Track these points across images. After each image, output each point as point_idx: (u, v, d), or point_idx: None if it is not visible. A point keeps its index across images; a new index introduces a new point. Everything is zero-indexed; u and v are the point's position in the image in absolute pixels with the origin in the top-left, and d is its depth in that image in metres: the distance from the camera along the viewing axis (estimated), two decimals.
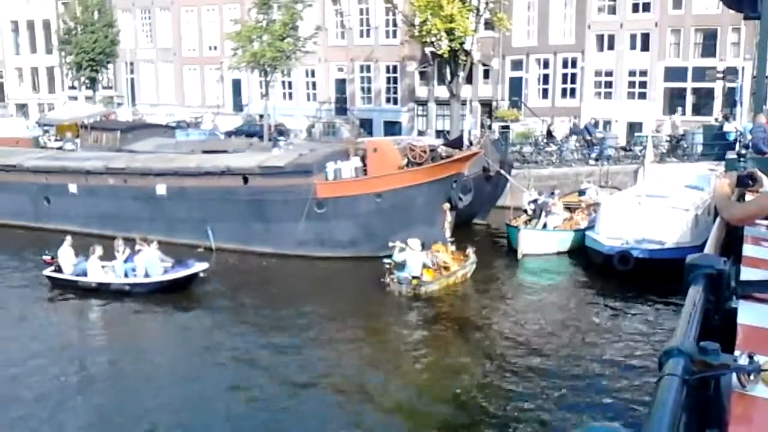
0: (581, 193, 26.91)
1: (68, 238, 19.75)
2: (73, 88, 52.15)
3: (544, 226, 23.00)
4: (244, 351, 15.05)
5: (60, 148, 33.81)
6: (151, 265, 18.42)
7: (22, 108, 54.18)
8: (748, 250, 4.00)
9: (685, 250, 16.86)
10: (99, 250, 18.67)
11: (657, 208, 19.73)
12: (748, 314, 2.83)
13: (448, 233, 20.07)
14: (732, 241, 4.25)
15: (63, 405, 12.66)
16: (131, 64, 49.98)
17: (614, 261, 18.79)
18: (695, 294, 2.70)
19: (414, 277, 18.05)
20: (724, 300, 2.97)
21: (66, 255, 19.19)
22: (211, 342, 15.68)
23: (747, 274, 3.43)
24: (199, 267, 18.65)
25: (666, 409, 1.80)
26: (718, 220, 4.52)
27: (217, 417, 12.18)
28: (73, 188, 25.59)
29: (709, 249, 3.84)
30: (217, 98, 47.00)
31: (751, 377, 2.11)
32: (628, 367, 13.87)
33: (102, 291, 18.49)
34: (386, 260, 18.60)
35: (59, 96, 52.75)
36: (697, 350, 2.10)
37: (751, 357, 2.13)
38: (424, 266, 18.43)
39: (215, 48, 46.23)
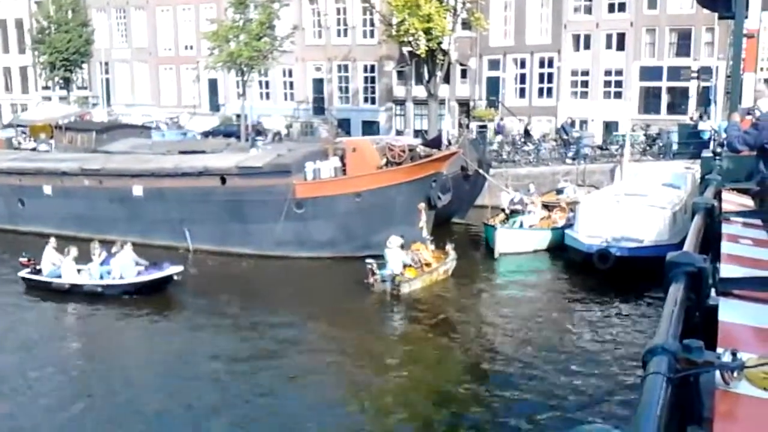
0: (559, 191, 27.08)
1: (52, 240, 19.78)
2: (46, 88, 51.43)
3: (521, 224, 23.09)
4: (220, 354, 14.83)
5: (34, 149, 33.29)
6: (125, 267, 18.26)
7: None
8: (727, 247, 4.03)
9: (663, 247, 16.99)
10: (74, 252, 18.56)
11: (635, 207, 19.91)
12: (729, 311, 2.84)
13: (425, 232, 20.07)
14: (710, 239, 4.28)
15: (26, 406, 12.46)
16: (106, 63, 49.41)
17: (594, 259, 18.91)
18: (676, 292, 2.70)
19: (395, 275, 18.08)
20: (704, 297, 2.98)
21: (48, 257, 19.13)
22: (185, 344, 15.51)
23: (726, 271, 3.45)
24: (173, 270, 18.45)
25: (652, 407, 1.80)
26: (696, 218, 4.55)
27: (192, 419, 12.06)
28: (47, 190, 25.22)
29: (688, 247, 3.86)
30: (193, 98, 46.65)
31: (735, 374, 2.11)
32: (608, 364, 13.96)
33: (75, 292, 18.30)
34: (368, 260, 18.55)
35: (33, 96, 51.99)
36: (680, 348, 2.09)
37: (734, 354, 2.13)
38: (405, 265, 18.46)
39: (191, 48, 45.85)
